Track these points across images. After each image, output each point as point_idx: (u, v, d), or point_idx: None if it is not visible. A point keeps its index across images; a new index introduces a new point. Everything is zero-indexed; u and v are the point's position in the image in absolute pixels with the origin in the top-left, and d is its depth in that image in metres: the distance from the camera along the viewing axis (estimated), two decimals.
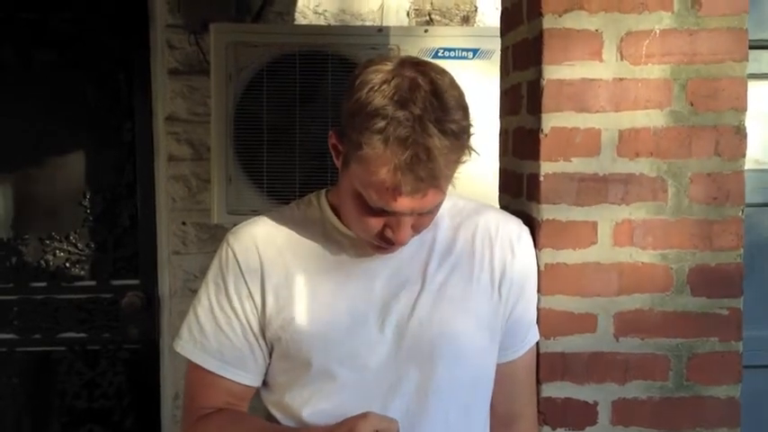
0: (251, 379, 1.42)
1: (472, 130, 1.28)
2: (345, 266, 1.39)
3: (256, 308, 1.39)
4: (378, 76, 1.25)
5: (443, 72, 1.28)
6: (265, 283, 1.38)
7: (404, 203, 1.25)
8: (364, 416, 1.24)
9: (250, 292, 1.39)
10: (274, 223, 1.43)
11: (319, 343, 1.36)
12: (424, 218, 1.31)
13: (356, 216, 1.32)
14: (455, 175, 1.28)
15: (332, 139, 1.33)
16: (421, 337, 1.36)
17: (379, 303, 1.37)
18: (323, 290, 1.38)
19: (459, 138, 1.24)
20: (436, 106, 1.22)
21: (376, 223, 1.30)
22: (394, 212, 1.27)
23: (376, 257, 1.38)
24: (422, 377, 1.36)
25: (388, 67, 1.26)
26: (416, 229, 1.32)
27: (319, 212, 1.43)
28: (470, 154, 1.28)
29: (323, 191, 1.47)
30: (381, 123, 1.21)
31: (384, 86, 1.23)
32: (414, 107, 1.21)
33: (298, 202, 1.47)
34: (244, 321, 1.39)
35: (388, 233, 1.30)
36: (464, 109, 1.27)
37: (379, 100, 1.22)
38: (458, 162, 1.26)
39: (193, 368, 1.43)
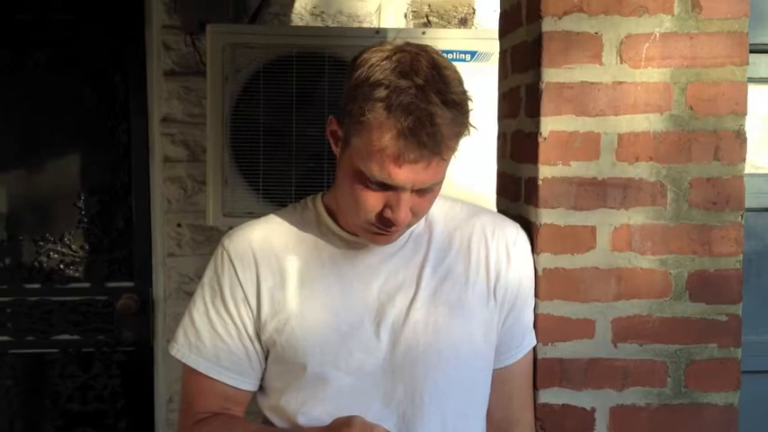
0: (247, 383, 1.41)
1: (471, 105, 1.28)
2: (341, 269, 1.38)
3: (252, 311, 1.38)
4: (378, 54, 1.27)
5: (443, 56, 1.30)
6: (261, 286, 1.37)
7: (406, 174, 1.24)
8: (349, 422, 1.22)
9: (245, 296, 1.38)
10: (270, 226, 1.42)
11: (314, 347, 1.35)
12: (423, 199, 1.30)
13: (355, 197, 1.30)
14: (456, 148, 1.28)
15: (331, 125, 1.33)
16: (416, 341, 1.35)
17: (375, 307, 1.36)
18: (318, 293, 1.37)
19: (461, 110, 1.25)
20: (438, 79, 1.24)
21: (375, 202, 1.28)
22: (395, 187, 1.26)
23: (372, 259, 1.37)
24: (417, 382, 1.35)
25: (389, 47, 1.28)
26: (415, 213, 1.31)
27: (315, 215, 1.42)
28: (470, 131, 1.28)
29: (319, 194, 1.46)
30: (384, 92, 1.22)
31: (385, 62, 1.25)
32: (416, 78, 1.23)
33: (294, 206, 1.46)
34: (239, 325, 1.38)
35: (388, 213, 1.28)
36: (463, 86, 1.28)
37: (380, 73, 1.24)
38: (459, 135, 1.27)
39: (189, 372, 1.42)
